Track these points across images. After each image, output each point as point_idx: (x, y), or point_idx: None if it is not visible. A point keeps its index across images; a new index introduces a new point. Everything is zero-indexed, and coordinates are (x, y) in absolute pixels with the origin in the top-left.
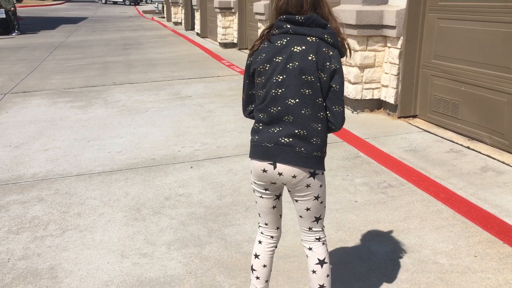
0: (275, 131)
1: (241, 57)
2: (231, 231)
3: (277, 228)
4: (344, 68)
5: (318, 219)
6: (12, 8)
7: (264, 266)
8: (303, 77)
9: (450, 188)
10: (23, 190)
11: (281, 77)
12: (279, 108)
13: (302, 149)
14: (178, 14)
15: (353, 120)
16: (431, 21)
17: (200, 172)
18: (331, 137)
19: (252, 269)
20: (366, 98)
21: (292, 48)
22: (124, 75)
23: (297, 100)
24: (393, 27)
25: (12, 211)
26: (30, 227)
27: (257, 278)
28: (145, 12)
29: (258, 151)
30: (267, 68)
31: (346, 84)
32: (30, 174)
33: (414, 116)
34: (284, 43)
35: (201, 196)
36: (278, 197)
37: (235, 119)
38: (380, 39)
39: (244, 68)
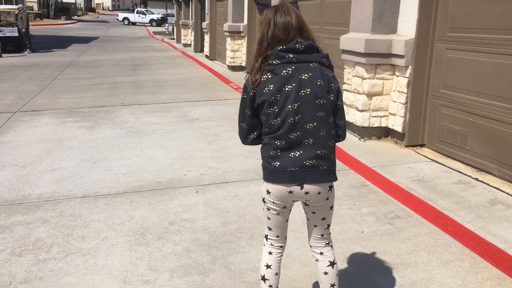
0: (297, 155)
1: None
2: (236, 259)
3: (285, 238)
4: (351, 95)
5: (329, 226)
6: (24, 29)
7: (276, 274)
8: (317, 101)
9: (459, 220)
10: (28, 211)
11: (296, 105)
12: (299, 133)
13: (324, 167)
14: (188, 36)
15: (360, 148)
16: (440, 51)
17: (206, 197)
18: (337, 165)
19: (264, 279)
20: (374, 125)
21: (300, 76)
22: (132, 95)
23: (314, 123)
24: (401, 56)
25: (16, 232)
26: (33, 249)
27: (270, 286)
28: (155, 33)
29: (283, 176)
30: (278, 97)
31: (353, 111)
32: (36, 194)
33: (422, 145)
34: (290, 72)
35: (206, 222)
36: (291, 210)
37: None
38: (389, 67)
39: (243, 96)
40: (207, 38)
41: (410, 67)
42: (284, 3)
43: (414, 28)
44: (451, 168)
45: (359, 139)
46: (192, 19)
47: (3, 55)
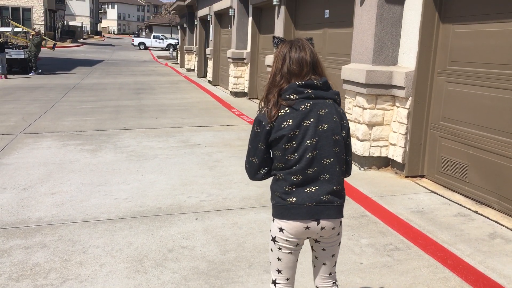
0: (313, 190)
1: (251, 107)
2: None
3: (294, 282)
4: (352, 124)
5: (336, 263)
6: (33, 53)
7: None
8: (333, 137)
9: (458, 254)
10: (27, 235)
11: (314, 140)
12: (316, 168)
13: (338, 202)
14: (192, 61)
15: (360, 177)
16: (440, 84)
17: (205, 224)
18: None
19: None
20: (374, 155)
21: (318, 112)
22: (135, 119)
23: (332, 159)
24: (402, 88)
25: (14, 257)
26: (30, 274)
27: None
28: (160, 57)
29: (300, 212)
30: (297, 133)
31: (354, 140)
32: (35, 218)
33: (422, 176)
34: (308, 107)
35: (205, 249)
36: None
37: (242, 170)
38: (389, 98)
39: (255, 130)
40: (210, 63)
41: (410, 98)
42: (299, 39)
43: (414, 61)
44: (450, 200)
45: (359, 169)
46: (196, 45)
47: (8, 76)
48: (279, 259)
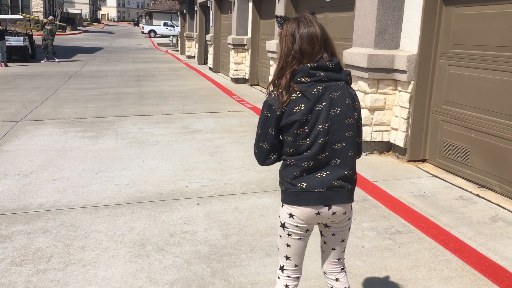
0: (324, 175)
1: (252, 93)
2: (235, 273)
3: (301, 268)
4: None
5: (345, 249)
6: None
7: None
8: (346, 121)
9: (459, 237)
10: (29, 220)
11: (326, 125)
12: (327, 153)
13: (350, 186)
14: (192, 48)
15: (361, 162)
16: (442, 68)
17: (207, 209)
18: None
19: None
20: (376, 140)
21: (331, 95)
22: (135, 106)
23: (343, 144)
24: (404, 72)
25: (16, 242)
26: (33, 259)
27: None
28: (160, 44)
29: (311, 198)
30: (309, 117)
31: None
32: (37, 204)
33: (424, 161)
34: (320, 90)
35: (207, 234)
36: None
37: (244, 155)
38: (391, 82)
39: (265, 115)
40: (211, 50)
41: (412, 82)
42: (304, 14)
43: (416, 44)
44: (452, 184)
45: None
46: (196, 31)
47: (9, 64)
48: (288, 245)
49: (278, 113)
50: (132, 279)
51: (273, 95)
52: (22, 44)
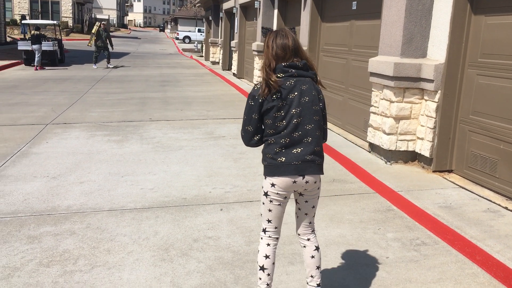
0: (299, 151)
1: None
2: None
3: (280, 230)
4: (378, 118)
5: (315, 214)
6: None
7: (273, 263)
8: (313, 107)
9: (487, 250)
10: (57, 222)
11: (298, 109)
12: (300, 132)
13: (319, 161)
14: (216, 54)
15: (386, 171)
16: (470, 77)
17: (230, 215)
18: (363, 187)
19: (263, 268)
20: (401, 149)
21: (301, 87)
22: (160, 111)
23: (312, 125)
24: (431, 81)
25: (44, 243)
26: (60, 260)
27: (268, 275)
28: (185, 50)
29: (289, 169)
30: (284, 104)
31: (380, 134)
32: (65, 206)
33: (450, 171)
34: (292, 83)
35: (230, 240)
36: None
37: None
38: (417, 91)
39: (250, 104)
40: (235, 56)
41: (439, 91)
42: (283, 28)
43: (444, 53)
44: (479, 196)
45: (385, 162)
46: (221, 38)
47: (46, 68)
48: (269, 210)
49: (260, 101)
50: (156, 283)
51: (256, 88)
52: (51, 48)
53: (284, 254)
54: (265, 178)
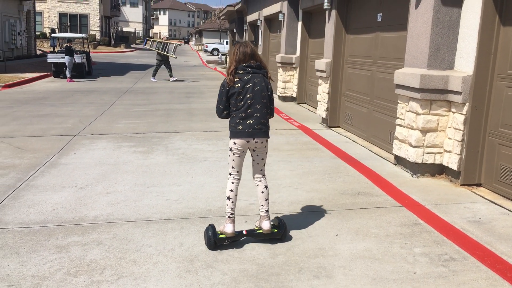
0: (251, 122)
1: (299, 111)
2: None
3: (241, 174)
4: (404, 130)
5: (264, 164)
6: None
7: (236, 195)
8: (262, 94)
9: None
10: (84, 232)
11: (251, 95)
12: (252, 110)
13: (264, 129)
14: None
15: (412, 184)
16: (500, 89)
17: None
18: (389, 201)
19: (229, 198)
20: (427, 162)
21: (254, 80)
22: (185, 123)
23: (260, 105)
24: (458, 93)
25: (72, 253)
26: (87, 270)
27: (233, 202)
28: (209, 62)
29: (244, 134)
30: (242, 91)
31: (406, 146)
32: (92, 216)
33: (479, 185)
34: (248, 77)
35: (254, 252)
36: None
37: (291, 174)
38: (445, 103)
39: (221, 90)
40: None
41: (467, 104)
42: (246, 41)
43: (472, 65)
44: (510, 211)
45: (412, 176)
46: None
47: (75, 80)
48: (233, 160)
49: (227, 88)
50: None
51: (225, 79)
52: (80, 61)
53: (310, 268)
54: (230, 139)
